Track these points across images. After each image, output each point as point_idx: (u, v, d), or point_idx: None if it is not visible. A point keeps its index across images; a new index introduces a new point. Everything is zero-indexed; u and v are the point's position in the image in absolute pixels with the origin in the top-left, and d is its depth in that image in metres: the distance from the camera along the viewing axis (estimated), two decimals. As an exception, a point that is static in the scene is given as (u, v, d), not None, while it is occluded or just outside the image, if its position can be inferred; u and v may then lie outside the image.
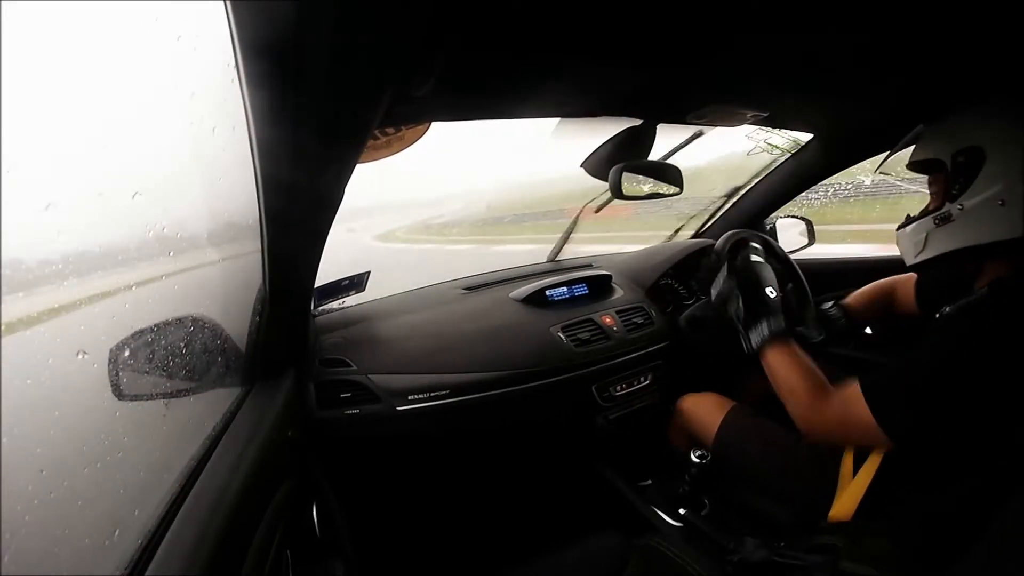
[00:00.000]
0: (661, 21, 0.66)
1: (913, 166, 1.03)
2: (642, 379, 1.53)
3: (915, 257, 1.00)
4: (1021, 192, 0.85)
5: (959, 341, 0.83)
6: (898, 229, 1.05)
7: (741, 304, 1.16)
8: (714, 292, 1.28)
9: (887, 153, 1.22)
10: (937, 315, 0.97)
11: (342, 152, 0.66)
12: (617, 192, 1.16)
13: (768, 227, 2.00)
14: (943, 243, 0.95)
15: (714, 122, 1.22)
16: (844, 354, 1.63)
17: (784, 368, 1.03)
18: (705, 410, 1.34)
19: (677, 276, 1.77)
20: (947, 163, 0.94)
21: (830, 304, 1.42)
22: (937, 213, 0.95)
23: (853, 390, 0.88)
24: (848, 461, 1.00)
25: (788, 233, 1.97)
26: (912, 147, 1.03)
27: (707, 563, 0.93)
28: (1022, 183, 0.85)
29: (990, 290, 0.88)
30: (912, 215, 1.02)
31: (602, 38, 0.69)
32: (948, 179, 0.94)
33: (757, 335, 1.09)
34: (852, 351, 1.63)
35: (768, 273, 1.40)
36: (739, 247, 1.43)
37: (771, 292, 1.39)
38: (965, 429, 0.80)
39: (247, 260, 0.87)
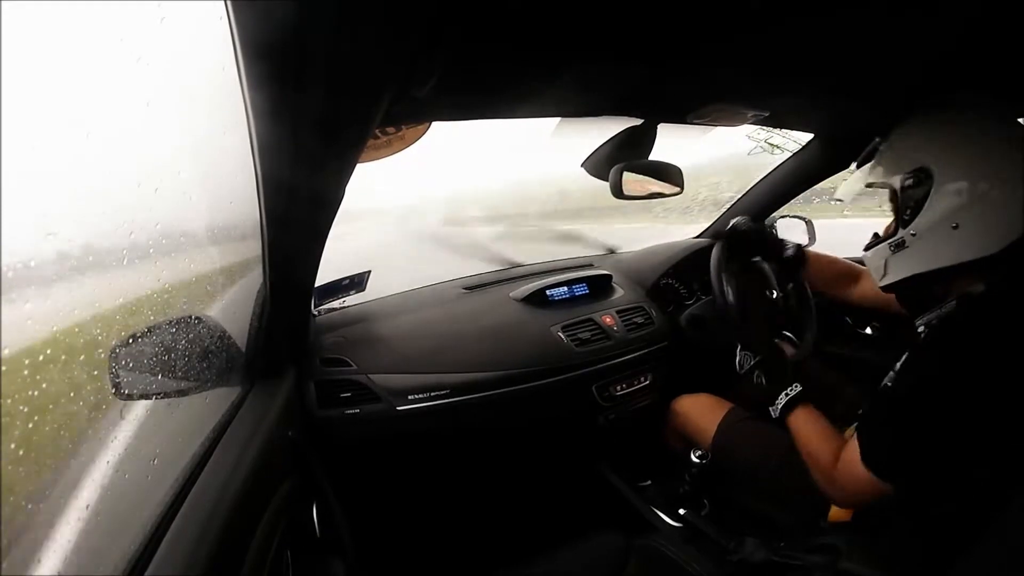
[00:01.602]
0: (662, 19, 0.66)
1: (871, 187, 1.00)
2: (642, 379, 1.53)
3: (880, 281, 0.99)
4: (973, 214, 0.82)
5: (941, 355, 0.80)
6: (864, 250, 1.03)
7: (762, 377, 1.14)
8: (717, 294, 1.28)
9: (848, 175, 1.15)
10: (916, 323, 0.95)
11: (342, 152, 0.66)
12: (617, 192, 1.16)
13: (768, 227, 2.00)
14: (901, 269, 0.93)
15: (715, 122, 1.22)
16: (844, 354, 1.63)
17: (805, 432, 1.00)
18: (700, 413, 1.34)
19: (678, 276, 1.77)
20: (896, 187, 0.91)
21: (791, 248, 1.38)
22: (891, 240, 0.93)
23: (853, 458, 0.84)
24: None
25: (788, 233, 1.97)
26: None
27: (707, 563, 0.93)
28: (974, 204, 0.82)
29: (959, 305, 0.85)
30: (878, 235, 1.00)
31: (602, 35, 0.69)
32: (898, 204, 0.92)
33: (782, 399, 1.06)
34: (852, 351, 1.63)
35: (768, 274, 1.40)
36: (739, 243, 1.42)
37: (772, 294, 1.39)
38: (958, 444, 0.78)
39: (247, 259, 0.87)
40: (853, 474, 0.84)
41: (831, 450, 0.91)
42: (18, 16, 0.39)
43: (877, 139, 0.98)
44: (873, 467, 0.80)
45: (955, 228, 0.84)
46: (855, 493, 0.86)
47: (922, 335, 0.93)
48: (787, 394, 1.05)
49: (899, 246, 0.92)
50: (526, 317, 1.47)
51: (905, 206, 0.90)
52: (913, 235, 0.89)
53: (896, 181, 0.92)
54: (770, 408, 1.09)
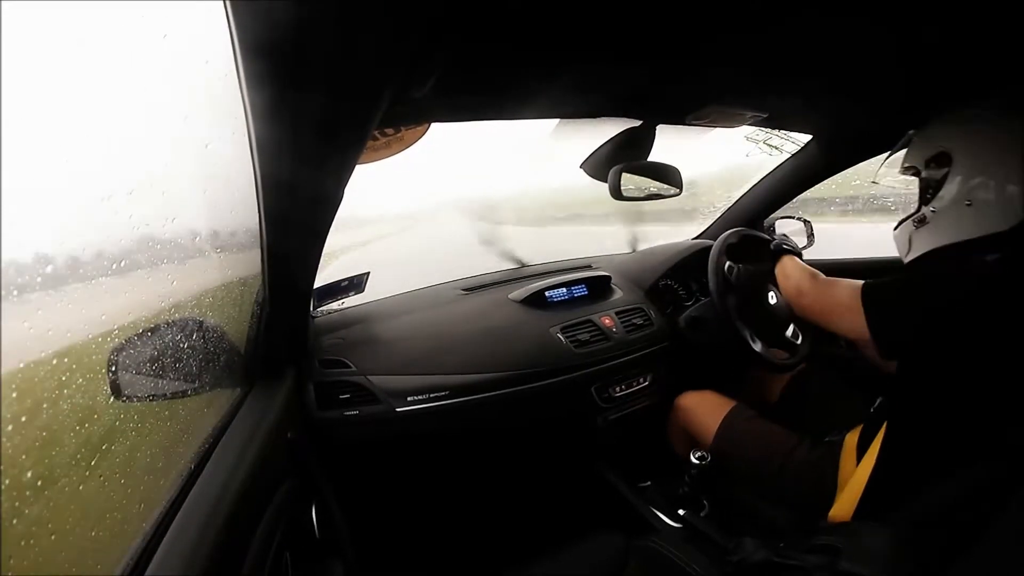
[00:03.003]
0: (661, 19, 0.67)
1: (905, 172, 1.10)
2: (641, 380, 1.53)
3: (906, 257, 1.09)
4: (985, 192, 0.92)
5: (964, 294, 0.85)
6: (893, 229, 1.12)
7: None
8: (715, 297, 1.29)
9: (882, 162, 1.28)
10: None
11: (342, 152, 0.66)
12: (616, 194, 1.17)
13: (768, 228, 2.00)
14: (924, 243, 1.03)
15: (714, 123, 1.22)
16: (843, 356, 1.63)
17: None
18: (704, 410, 1.34)
19: (676, 277, 1.77)
20: (921, 169, 1.03)
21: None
22: (915, 216, 1.05)
23: (853, 283, 1.01)
24: (849, 457, 1.00)
25: (788, 234, 1.97)
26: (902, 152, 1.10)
27: (706, 564, 0.93)
28: (986, 184, 0.92)
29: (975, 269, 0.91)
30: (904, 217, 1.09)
31: (602, 35, 0.70)
32: (922, 184, 1.04)
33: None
34: (851, 353, 1.63)
35: (766, 280, 1.40)
36: (738, 248, 1.43)
37: (772, 298, 1.39)
38: (956, 412, 0.82)
39: (247, 260, 0.87)
40: (836, 292, 1.05)
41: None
42: (17, 16, 0.39)
43: (911, 131, 1.09)
44: (868, 304, 0.96)
45: (969, 205, 0.94)
46: (827, 302, 1.08)
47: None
48: None
49: (921, 221, 1.03)
50: (525, 318, 1.47)
51: (928, 186, 1.01)
52: (933, 212, 1.00)
53: (921, 164, 1.03)
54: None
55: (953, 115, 1.00)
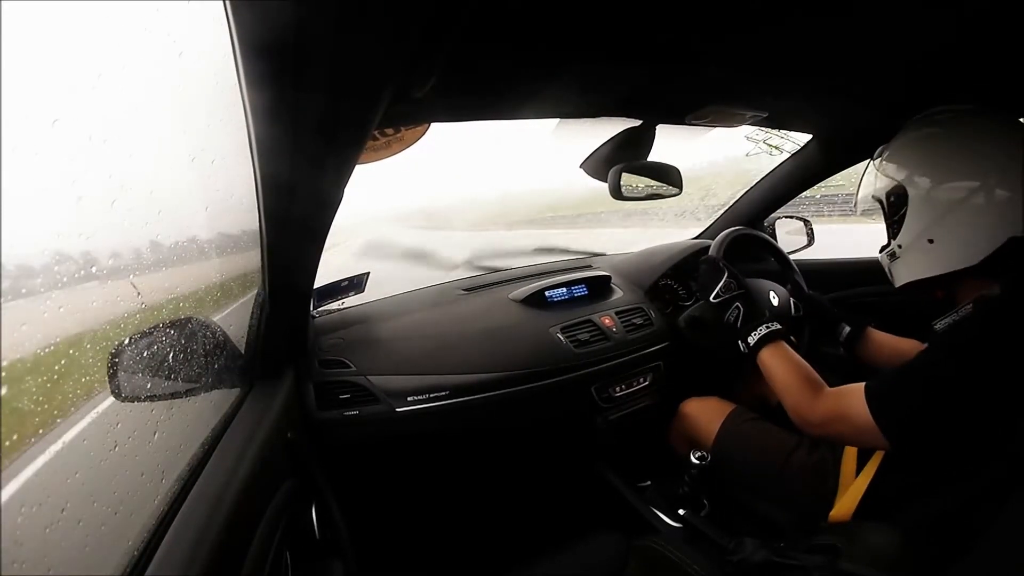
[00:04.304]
0: (661, 19, 0.67)
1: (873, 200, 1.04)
2: (641, 380, 1.52)
3: (894, 283, 1.02)
4: (946, 228, 0.85)
5: (955, 352, 0.80)
6: (879, 252, 1.06)
7: (741, 311, 1.16)
8: (711, 294, 1.28)
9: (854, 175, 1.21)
10: (935, 326, 0.96)
11: (342, 152, 0.66)
12: (616, 193, 1.17)
13: (768, 227, 2.00)
14: (902, 275, 0.97)
15: (713, 123, 1.22)
16: (841, 355, 1.63)
17: (778, 366, 1.03)
18: (707, 415, 1.34)
19: (676, 277, 1.77)
20: (883, 202, 0.97)
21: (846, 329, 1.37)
22: (887, 249, 0.99)
23: (854, 387, 0.86)
24: (850, 462, 1.00)
25: (788, 233, 1.97)
26: None
27: (707, 564, 0.93)
28: (946, 219, 0.85)
29: (975, 308, 0.86)
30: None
31: (602, 35, 0.70)
32: (885, 218, 0.98)
33: (754, 336, 1.10)
34: (843, 352, 1.63)
35: (766, 283, 1.39)
36: (736, 247, 1.43)
37: (773, 298, 1.39)
38: (962, 433, 0.78)
39: (247, 260, 0.87)
40: (842, 404, 0.86)
41: (813, 378, 0.97)
42: (17, 16, 0.39)
43: (881, 147, 1.00)
44: (879, 418, 0.80)
45: (931, 242, 0.88)
46: (834, 419, 0.88)
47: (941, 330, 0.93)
48: (766, 327, 1.08)
49: (892, 256, 0.97)
50: (525, 318, 1.46)
51: (891, 220, 0.96)
52: (900, 247, 0.95)
53: (882, 196, 0.97)
54: (740, 343, 1.12)
55: (902, 141, 0.93)
